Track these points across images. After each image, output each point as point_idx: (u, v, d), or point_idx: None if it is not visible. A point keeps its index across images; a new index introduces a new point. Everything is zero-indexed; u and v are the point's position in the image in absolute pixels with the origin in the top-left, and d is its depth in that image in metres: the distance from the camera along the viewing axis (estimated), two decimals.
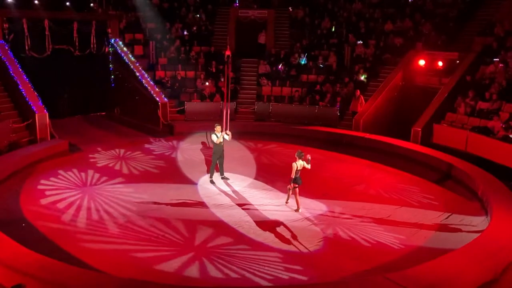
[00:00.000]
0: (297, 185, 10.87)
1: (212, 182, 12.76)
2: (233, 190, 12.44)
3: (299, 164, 10.83)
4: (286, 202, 11.46)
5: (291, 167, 10.83)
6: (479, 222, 10.66)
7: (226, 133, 12.73)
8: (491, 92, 15.58)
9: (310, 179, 13.43)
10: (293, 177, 10.80)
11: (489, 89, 15.75)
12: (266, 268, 8.59)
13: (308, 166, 10.96)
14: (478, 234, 9.34)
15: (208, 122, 18.41)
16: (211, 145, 13.17)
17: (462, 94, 16.32)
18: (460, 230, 10.36)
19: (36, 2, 18.93)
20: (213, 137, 12.53)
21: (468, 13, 20.61)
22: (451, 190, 12.85)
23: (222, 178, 12.98)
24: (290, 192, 11.27)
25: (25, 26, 17.29)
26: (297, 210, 11.02)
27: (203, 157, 15.28)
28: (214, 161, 12.76)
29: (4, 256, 7.82)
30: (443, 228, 10.50)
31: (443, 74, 17.88)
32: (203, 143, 16.80)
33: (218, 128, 12.55)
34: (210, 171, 12.93)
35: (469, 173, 12.84)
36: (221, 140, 12.57)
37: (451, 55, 18.09)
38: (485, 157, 13.72)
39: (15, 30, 17.19)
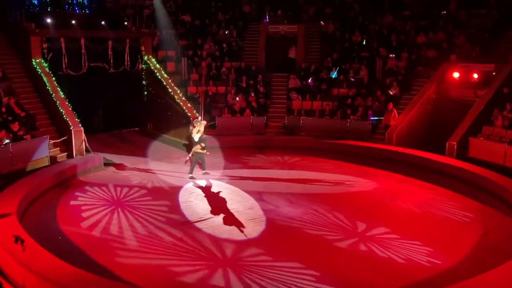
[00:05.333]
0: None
1: (192, 178, 14.32)
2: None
3: (196, 130, 14.04)
4: (205, 173, 14.27)
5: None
6: None
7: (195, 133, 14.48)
8: None
9: (343, 195, 13.31)
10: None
11: None
12: (297, 281, 8.47)
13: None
14: None
15: (239, 136, 18.62)
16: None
17: (499, 106, 15.86)
18: (499, 248, 9.97)
19: (73, 22, 19.61)
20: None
21: (504, 23, 20.12)
22: (489, 206, 12.41)
23: (204, 173, 14.58)
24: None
25: (62, 45, 17.87)
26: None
27: (233, 173, 15.32)
28: (195, 160, 14.48)
29: (41, 268, 8.00)
30: (481, 244, 10.13)
31: (478, 86, 17.44)
32: (234, 158, 16.79)
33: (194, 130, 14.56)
34: (190, 169, 14.51)
35: (508, 187, 12.41)
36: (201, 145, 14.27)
37: (487, 67, 17.65)
38: None
39: (54, 49, 17.81)
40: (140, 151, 17.59)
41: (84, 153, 15.72)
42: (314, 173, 15.27)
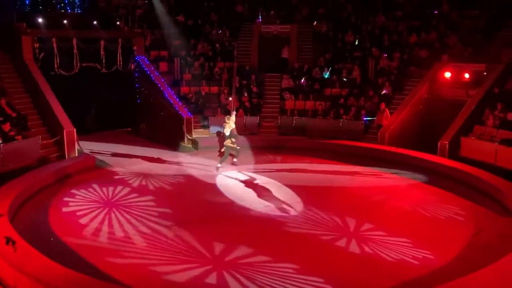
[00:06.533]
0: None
1: (217, 169, 14.95)
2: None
3: (227, 125, 14.38)
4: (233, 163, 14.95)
5: None
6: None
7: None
8: None
9: (337, 194, 13.34)
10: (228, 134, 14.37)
11: None
12: (286, 281, 8.48)
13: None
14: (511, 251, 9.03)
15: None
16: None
17: (490, 106, 15.98)
18: (491, 247, 10.03)
19: (65, 21, 19.52)
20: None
21: (496, 24, 20.27)
22: (481, 205, 12.48)
23: (232, 163, 15.14)
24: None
25: (54, 45, 17.82)
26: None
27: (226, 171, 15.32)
28: (227, 153, 14.90)
29: (32, 269, 7.94)
30: (473, 244, 10.18)
31: (470, 86, 17.56)
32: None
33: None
34: (220, 160, 15.09)
35: (500, 187, 12.50)
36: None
37: (478, 67, 17.78)
38: None
39: (45, 49, 17.73)
40: (133, 151, 17.52)
41: (76, 154, 15.65)
42: (307, 172, 15.26)
